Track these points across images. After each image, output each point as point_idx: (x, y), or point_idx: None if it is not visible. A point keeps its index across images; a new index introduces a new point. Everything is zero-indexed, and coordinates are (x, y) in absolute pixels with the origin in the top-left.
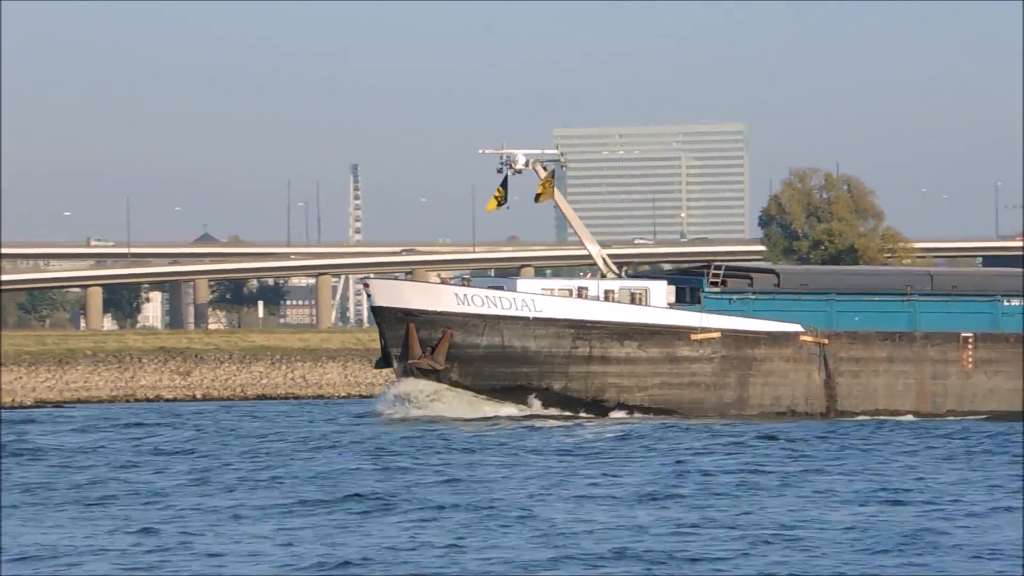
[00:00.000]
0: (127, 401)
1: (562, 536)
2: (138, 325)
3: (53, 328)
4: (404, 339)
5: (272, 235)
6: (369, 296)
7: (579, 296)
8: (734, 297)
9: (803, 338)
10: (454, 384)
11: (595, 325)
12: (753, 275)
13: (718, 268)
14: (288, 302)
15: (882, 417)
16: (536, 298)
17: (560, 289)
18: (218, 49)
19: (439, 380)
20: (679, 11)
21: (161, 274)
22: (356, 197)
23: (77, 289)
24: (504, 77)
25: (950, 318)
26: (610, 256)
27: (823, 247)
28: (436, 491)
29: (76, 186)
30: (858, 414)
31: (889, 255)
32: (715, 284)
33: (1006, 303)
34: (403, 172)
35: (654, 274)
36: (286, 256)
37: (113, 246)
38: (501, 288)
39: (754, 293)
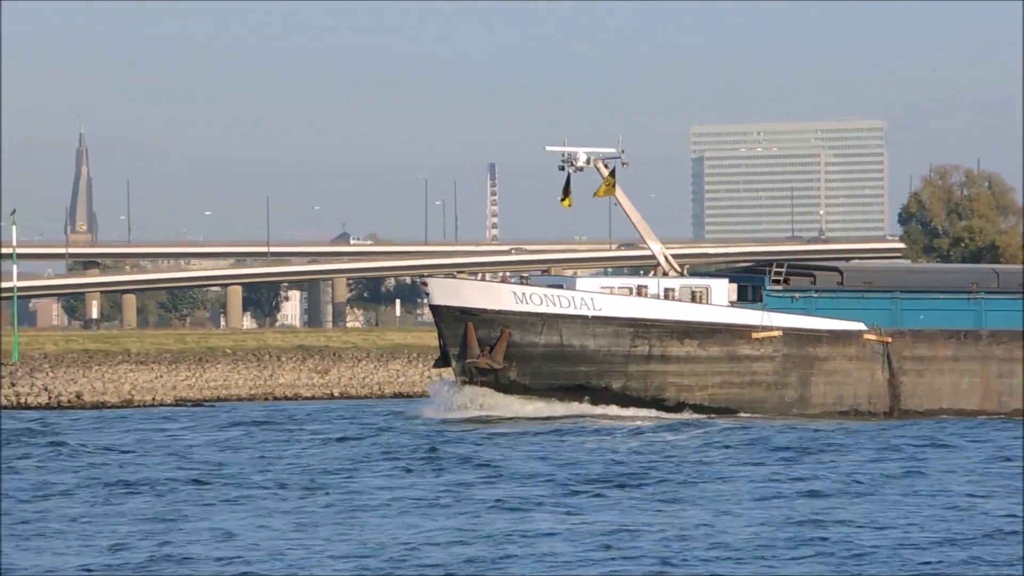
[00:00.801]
0: (265, 399)
1: None
2: (277, 324)
3: (193, 327)
4: (462, 338)
5: (409, 234)
6: (427, 295)
7: (639, 294)
8: (796, 295)
9: (866, 336)
10: (512, 383)
11: (654, 323)
12: (816, 273)
13: (780, 266)
14: (426, 300)
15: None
16: (595, 296)
17: (620, 287)
18: (357, 49)
19: (498, 379)
20: (819, 7)
21: (300, 273)
22: (493, 195)
23: (217, 288)
24: (641, 74)
25: (1017, 316)
26: (743, 255)
27: (963, 244)
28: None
29: (217, 186)
30: (922, 413)
31: None
32: (777, 282)
33: None
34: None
35: (717, 272)
36: (423, 255)
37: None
38: (560, 287)
39: (817, 291)
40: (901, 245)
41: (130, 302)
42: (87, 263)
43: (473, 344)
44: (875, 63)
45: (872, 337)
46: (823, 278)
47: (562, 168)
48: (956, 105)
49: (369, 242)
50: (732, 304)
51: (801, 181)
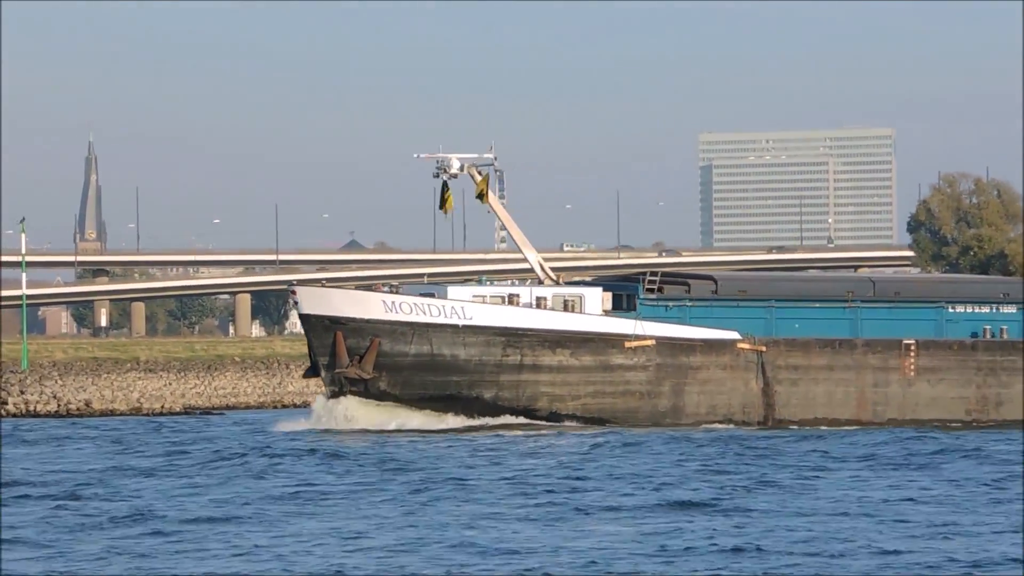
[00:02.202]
0: (274, 407)
1: None
2: (286, 332)
3: (202, 335)
4: (332, 347)
5: (418, 242)
6: (296, 303)
7: (511, 303)
8: (670, 304)
9: (740, 346)
10: (382, 393)
11: (526, 332)
12: (690, 282)
13: (654, 274)
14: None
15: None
16: (466, 305)
17: (492, 296)
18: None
19: (368, 389)
20: (828, 15)
21: (309, 280)
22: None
23: (226, 296)
24: (648, 80)
25: (892, 325)
26: (754, 262)
27: (972, 253)
28: None
29: (226, 194)
30: (796, 423)
31: None
32: (651, 291)
33: (951, 310)
34: (548, 179)
35: (591, 281)
36: (432, 263)
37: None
38: (432, 295)
39: (691, 300)
40: (910, 253)
41: (139, 310)
42: (96, 271)
43: (342, 354)
44: (884, 71)
45: (746, 346)
46: (697, 287)
47: (436, 176)
48: (965, 113)
49: (377, 250)
50: (606, 313)
51: (810, 189)
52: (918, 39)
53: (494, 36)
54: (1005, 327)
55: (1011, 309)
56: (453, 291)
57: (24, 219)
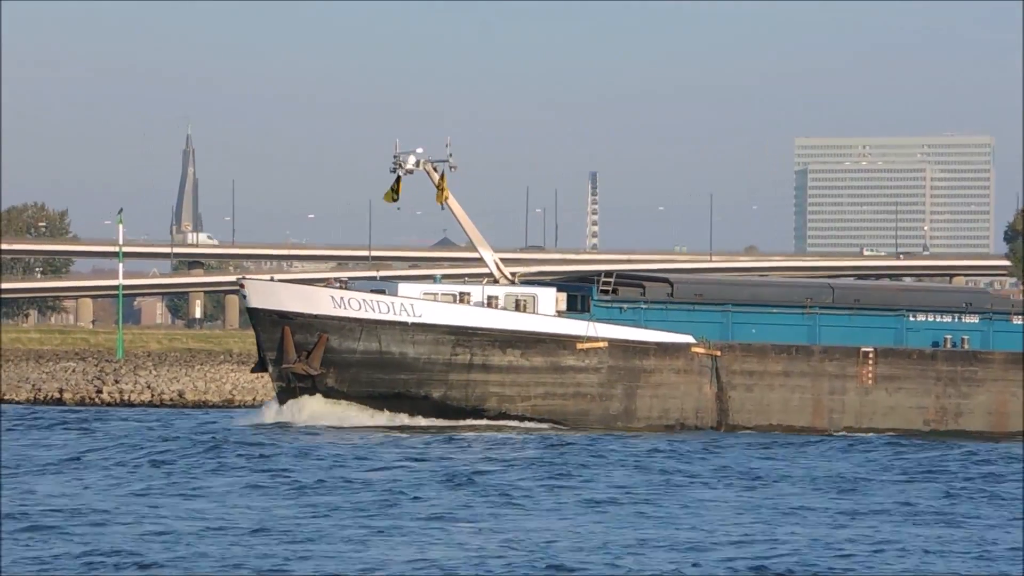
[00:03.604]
0: None
1: None
2: None
3: None
4: (279, 343)
5: (510, 241)
6: (244, 297)
7: (461, 302)
8: (624, 306)
9: (694, 349)
10: (329, 390)
11: (476, 332)
12: (646, 284)
13: (609, 275)
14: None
15: (777, 432)
16: (416, 303)
17: (443, 294)
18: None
19: (315, 386)
20: (927, 22)
21: (400, 277)
22: (594, 203)
23: None
24: (745, 85)
25: (852, 332)
26: (845, 269)
27: None
28: None
29: (321, 189)
30: (750, 429)
31: None
32: (605, 292)
33: (912, 318)
34: (642, 181)
35: (546, 281)
36: (521, 262)
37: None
38: (383, 292)
39: (646, 302)
40: (1006, 263)
41: (233, 302)
42: (191, 263)
43: (290, 349)
44: (983, 78)
45: (700, 350)
46: (653, 289)
47: (393, 170)
48: None
49: (468, 248)
50: (560, 314)
51: (905, 196)
52: (1018, 46)
53: (605, 39)
54: (967, 337)
55: (973, 319)
56: (404, 288)
57: (122, 210)
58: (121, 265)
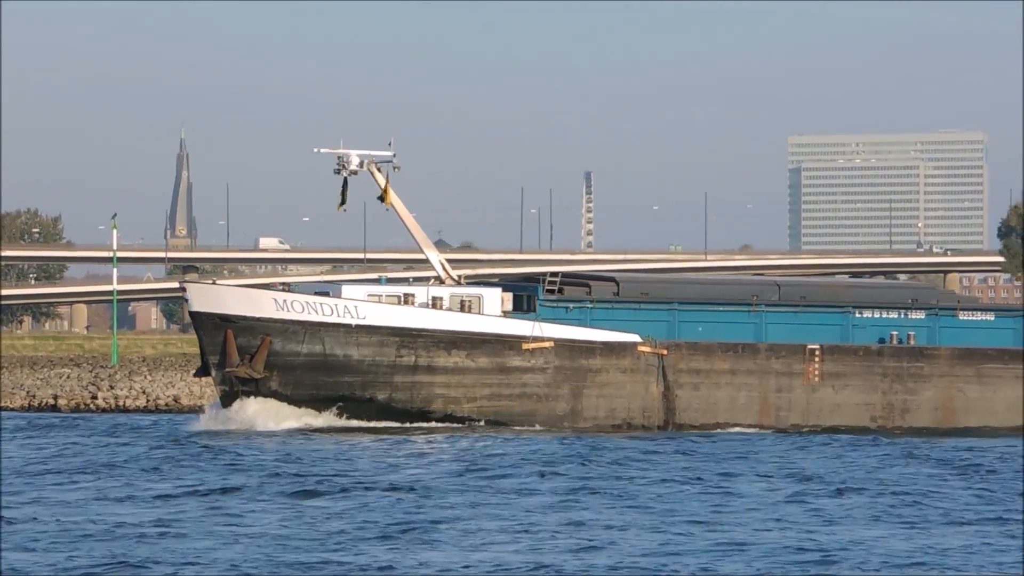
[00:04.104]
0: None
1: None
2: None
3: None
4: (222, 346)
5: (505, 242)
6: (186, 300)
7: (406, 303)
8: (570, 306)
9: (640, 348)
10: (273, 393)
11: (421, 333)
12: (591, 283)
13: (555, 275)
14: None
15: (722, 430)
16: (359, 304)
17: (387, 296)
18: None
19: (258, 389)
20: (919, 18)
21: (395, 279)
22: (588, 203)
23: None
24: (738, 84)
25: (798, 330)
26: (840, 266)
27: None
28: None
29: (315, 192)
30: (697, 427)
31: None
32: (551, 292)
33: (858, 315)
34: (636, 180)
35: (491, 282)
36: (518, 263)
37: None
38: (327, 294)
39: (592, 302)
40: (1000, 259)
41: None
42: (186, 267)
43: (233, 352)
44: (976, 75)
45: (646, 349)
46: (599, 288)
47: (337, 172)
48: None
49: (463, 250)
50: (505, 314)
51: (899, 193)
52: (1011, 42)
53: (599, 39)
54: (913, 333)
55: (919, 315)
56: (348, 290)
57: (116, 215)
58: (115, 270)
